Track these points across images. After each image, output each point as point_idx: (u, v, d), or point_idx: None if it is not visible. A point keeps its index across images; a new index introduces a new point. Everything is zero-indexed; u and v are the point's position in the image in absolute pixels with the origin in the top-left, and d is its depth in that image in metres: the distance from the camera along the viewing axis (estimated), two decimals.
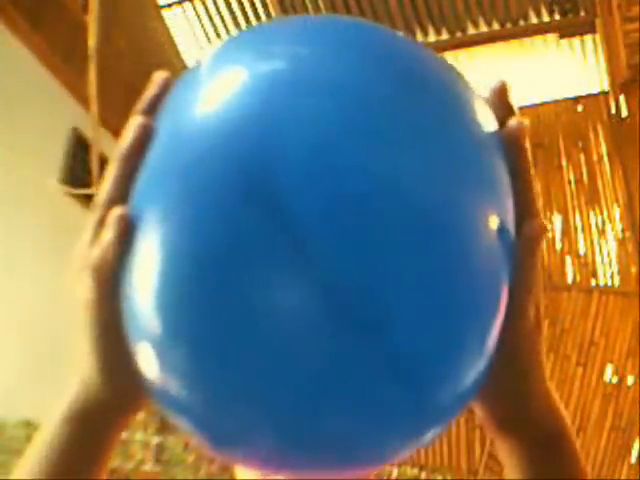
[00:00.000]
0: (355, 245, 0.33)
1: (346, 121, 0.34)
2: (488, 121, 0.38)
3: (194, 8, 4.01)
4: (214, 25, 4.04)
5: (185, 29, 4.06)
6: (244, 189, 0.33)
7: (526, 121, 0.39)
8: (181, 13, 4.03)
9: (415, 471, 3.63)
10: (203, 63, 0.38)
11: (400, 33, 0.41)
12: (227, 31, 4.04)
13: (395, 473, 3.66)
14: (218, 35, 4.06)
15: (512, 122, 0.39)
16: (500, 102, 0.40)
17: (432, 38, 3.97)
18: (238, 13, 3.97)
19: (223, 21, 4.02)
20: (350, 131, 0.34)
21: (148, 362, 0.37)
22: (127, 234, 0.37)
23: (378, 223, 0.33)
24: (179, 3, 3.99)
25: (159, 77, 0.41)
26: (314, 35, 0.39)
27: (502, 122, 0.39)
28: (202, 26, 4.06)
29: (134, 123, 0.38)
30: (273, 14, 3.92)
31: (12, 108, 3.25)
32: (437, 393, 0.35)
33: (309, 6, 3.89)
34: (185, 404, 0.37)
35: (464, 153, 0.36)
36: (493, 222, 0.36)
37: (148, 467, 3.09)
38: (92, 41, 2.74)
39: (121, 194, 0.38)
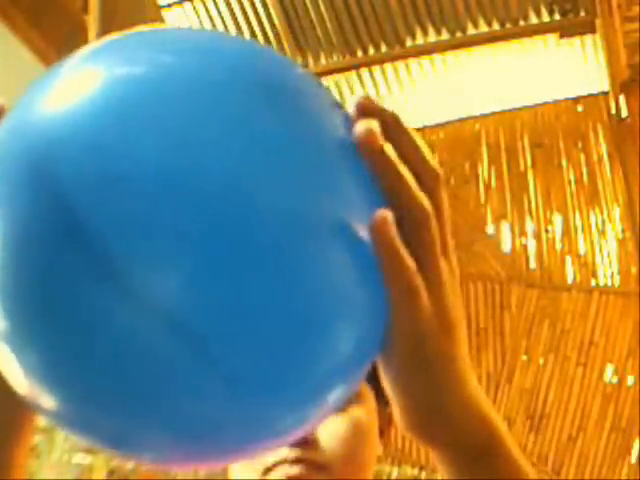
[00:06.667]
0: (162, 257, 0.32)
1: (137, 123, 0.34)
2: (338, 126, 0.38)
3: (194, 8, 4.01)
4: (214, 25, 4.04)
5: None
6: (39, 191, 0.33)
7: (374, 123, 0.38)
8: (181, 13, 4.03)
9: (415, 471, 3.63)
10: (60, 64, 0.39)
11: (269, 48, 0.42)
12: (227, 31, 4.04)
13: (395, 473, 3.66)
14: None
15: (358, 126, 0.38)
16: (366, 109, 0.39)
17: (432, 38, 3.96)
18: (238, 13, 3.97)
19: (223, 21, 4.02)
20: (138, 131, 0.33)
21: (7, 369, 0.37)
22: None
23: (186, 232, 0.32)
24: (179, 3, 3.99)
25: None
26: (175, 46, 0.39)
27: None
28: (202, 26, 4.06)
29: None
30: (273, 14, 3.92)
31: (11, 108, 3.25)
32: (258, 390, 0.36)
33: (309, 6, 3.89)
34: (53, 411, 0.37)
35: (300, 157, 0.36)
36: (336, 226, 0.36)
37: (148, 467, 3.09)
38: (92, 41, 2.74)
39: None
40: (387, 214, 0.37)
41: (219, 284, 0.33)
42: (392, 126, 0.39)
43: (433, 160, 0.40)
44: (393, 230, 0.37)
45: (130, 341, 0.33)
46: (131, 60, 0.37)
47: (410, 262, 0.37)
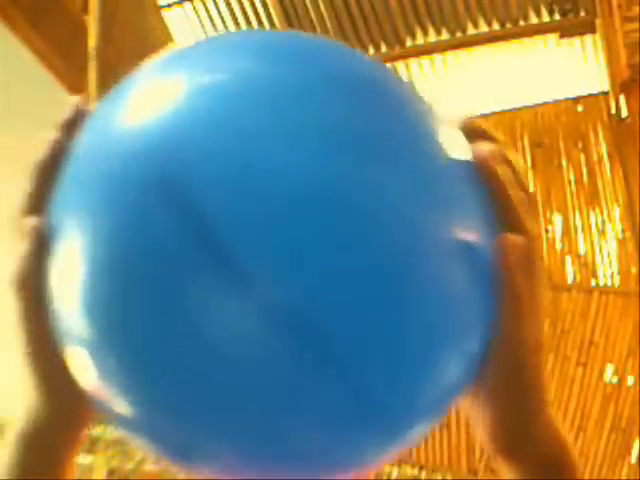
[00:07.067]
0: (290, 260, 0.31)
1: (278, 134, 0.33)
2: (455, 141, 0.38)
3: (194, 8, 4.01)
4: (214, 25, 4.04)
5: (185, 29, 4.06)
6: (161, 201, 0.32)
7: (493, 146, 0.39)
8: (181, 13, 4.03)
9: (415, 471, 3.63)
10: (135, 74, 0.38)
11: (354, 50, 0.41)
12: (227, 31, 4.04)
13: (395, 473, 3.66)
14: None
15: (479, 148, 0.39)
16: (470, 130, 0.40)
17: (432, 38, 3.96)
18: (238, 13, 3.97)
19: (223, 21, 4.02)
20: (278, 143, 0.33)
21: (84, 375, 0.36)
22: (42, 244, 0.36)
23: (314, 235, 0.32)
24: (179, 3, 3.99)
25: (74, 101, 0.41)
26: (258, 49, 0.38)
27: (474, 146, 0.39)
28: (202, 26, 4.06)
29: (47, 139, 0.39)
30: (273, 14, 3.92)
31: (11, 108, 3.25)
32: (388, 406, 0.34)
33: (309, 6, 3.89)
34: (127, 417, 0.36)
35: (420, 167, 0.35)
36: (453, 237, 0.35)
37: (148, 467, 3.09)
38: (92, 41, 2.74)
39: (35, 207, 0.38)
40: (517, 239, 0.38)
41: (349, 292, 0.32)
42: (500, 149, 0.40)
43: (529, 183, 0.42)
44: (519, 255, 0.38)
45: (243, 348, 0.32)
46: (212, 68, 0.36)
47: (525, 285, 0.39)
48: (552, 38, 3.92)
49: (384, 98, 0.37)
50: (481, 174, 0.38)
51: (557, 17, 3.89)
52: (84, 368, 0.36)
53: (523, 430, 0.41)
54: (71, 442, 0.42)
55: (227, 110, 0.34)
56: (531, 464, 0.42)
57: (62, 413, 0.41)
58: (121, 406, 0.35)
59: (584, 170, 3.89)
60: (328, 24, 3.93)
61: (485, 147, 0.39)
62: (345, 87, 0.36)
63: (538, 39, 3.93)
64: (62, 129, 0.39)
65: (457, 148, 0.38)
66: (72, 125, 0.39)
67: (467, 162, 0.38)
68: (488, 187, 0.38)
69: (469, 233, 0.36)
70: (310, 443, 0.35)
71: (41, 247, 0.36)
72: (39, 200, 0.38)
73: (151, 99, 0.36)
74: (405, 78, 0.41)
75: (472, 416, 0.43)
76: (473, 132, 0.40)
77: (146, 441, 0.37)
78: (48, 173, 0.38)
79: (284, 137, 0.33)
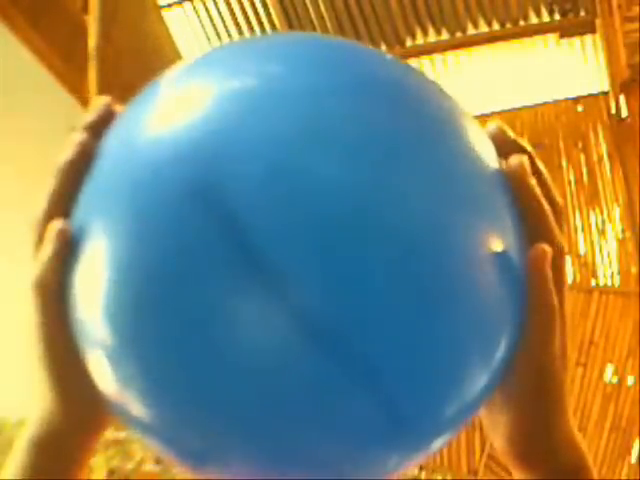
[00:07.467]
0: (323, 267, 0.31)
1: (310, 137, 0.33)
2: (484, 148, 0.38)
3: (194, 8, 4.00)
4: (214, 25, 4.04)
5: (185, 29, 4.06)
6: (197, 207, 0.32)
7: (525, 158, 0.39)
8: (181, 13, 4.03)
9: (415, 471, 3.63)
10: (161, 80, 0.38)
11: (378, 50, 0.41)
12: (227, 31, 4.04)
13: None
14: (218, 35, 4.06)
15: (513, 159, 0.39)
16: (501, 139, 0.40)
17: (432, 38, 3.96)
18: (238, 13, 3.97)
19: (223, 21, 4.02)
20: (311, 147, 0.33)
21: (104, 379, 0.36)
22: (67, 248, 0.36)
23: (348, 243, 0.32)
24: (179, 3, 3.99)
25: (100, 102, 0.40)
26: (284, 54, 0.38)
27: (505, 157, 0.40)
28: (202, 26, 4.06)
29: (72, 140, 0.38)
30: (273, 14, 3.92)
31: (12, 108, 3.25)
32: (417, 418, 0.34)
33: (309, 6, 3.88)
34: (145, 421, 0.35)
35: (452, 174, 0.35)
36: (486, 246, 0.35)
37: (148, 467, 3.09)
38: (92, 41, 2.74)
39: (59, 209, 0.37)
40: (547, 248, 0.38)
41: (380, 296, 0.32)
42: (531, 160, 0.41)
43: (557, 195, 0.42)
44: (549, 264, 0.38)
45: (271, 354, 0.32)
46: (241, 72, 0.36)
47: (555, 295, 0.39)
48: (552, 38, 3.92)
49: (415, 102, 0.37)
50: (513, 184, 0.38)
51: (557, 17, 3.89)
52: (104, 372, 0.35)
53: (543, 436, 0.41)
54: (86, 446, 0.42)
55: (258, 114, 0.33)
56: (548, 471, 0.42)
57: (78, 417, 0.40)
58: (140, 410, 0.35)
59: (584, 170, 3.89)
60: (328, 24, 3.93)
61: (517, 158, 0.39)
62: (377, 91, 0.36)
63: (538, 39, 3.93)
64: (88, 130, 0.38)
65: (487, 154, 0.38)
66: (99, 127, 0.38)
67: (497, 169, 0.38)
68: (519, 197, 0.38)
69: (499, 239, 0.36)
70: (332, 453, 0.34)
71: (65, 251, 0.36)
72: (63, 202, 0.37)
73: (180, 104, 0.35)
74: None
75: (489, 419, 0.43)
76: (504, 142, 0.40)
77: (162, 445, 0.36)
78: (73, 175, 0.37)
79: (316, 141, 0.33)
